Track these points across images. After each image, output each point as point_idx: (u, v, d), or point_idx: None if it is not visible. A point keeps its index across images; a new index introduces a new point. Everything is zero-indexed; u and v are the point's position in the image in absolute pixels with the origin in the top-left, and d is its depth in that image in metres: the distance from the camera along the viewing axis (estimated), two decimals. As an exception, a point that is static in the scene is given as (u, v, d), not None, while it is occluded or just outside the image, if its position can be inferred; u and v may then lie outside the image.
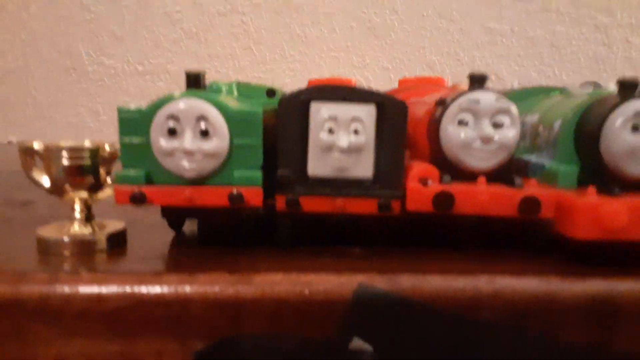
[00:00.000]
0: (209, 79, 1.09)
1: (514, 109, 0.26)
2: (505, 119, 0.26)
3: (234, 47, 0.98)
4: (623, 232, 0.24)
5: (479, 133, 0.26)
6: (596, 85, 0.71)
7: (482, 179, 0.26)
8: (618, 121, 0.25)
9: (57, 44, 0.98)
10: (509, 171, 0.27)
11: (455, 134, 0.26)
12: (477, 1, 0.97)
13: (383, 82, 1.00)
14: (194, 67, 0.99)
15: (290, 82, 0.99)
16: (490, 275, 0.24)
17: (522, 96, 0.37)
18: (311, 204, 0.26)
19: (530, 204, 0.25)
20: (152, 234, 0.31)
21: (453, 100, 0.26)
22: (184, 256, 0.27)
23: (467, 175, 0.26)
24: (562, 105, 0.31)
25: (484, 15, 0.98)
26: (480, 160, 0.26)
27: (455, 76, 1.00)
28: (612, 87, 0.71)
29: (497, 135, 0.26)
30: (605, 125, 0.25)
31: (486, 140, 0.26)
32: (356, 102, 0.25)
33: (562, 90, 0.36)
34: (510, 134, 0.26)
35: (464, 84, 0.32)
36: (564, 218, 0.24)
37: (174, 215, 0.29)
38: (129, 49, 0.98)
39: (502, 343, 0.23)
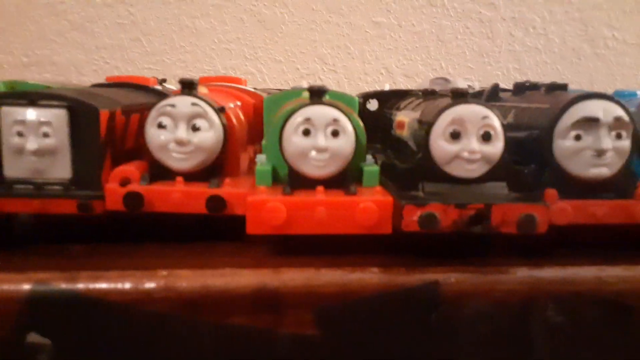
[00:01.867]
0: (97, 71, 1.06)
1: (211, 112, 0.28)
2: (202, 123, 0.27)
3: (122, 38, 0.97)
4: (284, 228, 0.25)
5: (174, 136, 0.27)
6: (445, 80, 0.74)
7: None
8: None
9: None
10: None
11: (155, 137, 0.27)
12: (365, -5, 0.99)
13: (276, 75, 1.01)
14: (81, 58, 0.98)
15: (181, 74, 0.99)
16: (166, 270, 0.25)
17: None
18: (9, 205, 0.27)
19: (216, 202, 0.26)
20: None
21: (154, 104, 0.27)
22: None
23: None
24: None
25: (371, 10, 1.00)
26: (177, 161, 0.27)
27: (347, 69, 1.02)
28: (461, 83, 0.74)
29: (195, 137, 0.27)
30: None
31: (180, 143, 0.27)
32: (45, 106, 0.26)
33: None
34: (207, 135, 0.28)
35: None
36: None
37: None
38: (13, 41, 0.96)
39: (174, 332, 0.25)
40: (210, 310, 0.24)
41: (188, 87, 0.28)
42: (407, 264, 0.27)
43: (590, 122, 0.27)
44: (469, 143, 0.26)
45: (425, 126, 0.27)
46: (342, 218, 0.26)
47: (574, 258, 0.28)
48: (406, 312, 0.26)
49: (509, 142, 0.28)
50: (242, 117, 0.35)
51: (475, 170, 0.27)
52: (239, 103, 0.39)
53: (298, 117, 0.26)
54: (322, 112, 0.26)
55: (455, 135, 0.26)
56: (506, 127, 0.27)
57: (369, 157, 0.30)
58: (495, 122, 0.26)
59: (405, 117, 0.33)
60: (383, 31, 1.01)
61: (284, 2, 0.98)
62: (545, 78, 1.08)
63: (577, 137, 0.28)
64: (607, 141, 0.27)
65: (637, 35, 1.05)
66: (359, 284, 0.26)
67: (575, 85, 1.06)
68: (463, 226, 0.26)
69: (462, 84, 0.75)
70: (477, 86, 0.96)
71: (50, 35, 0.96)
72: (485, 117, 0.26)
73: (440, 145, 0.27)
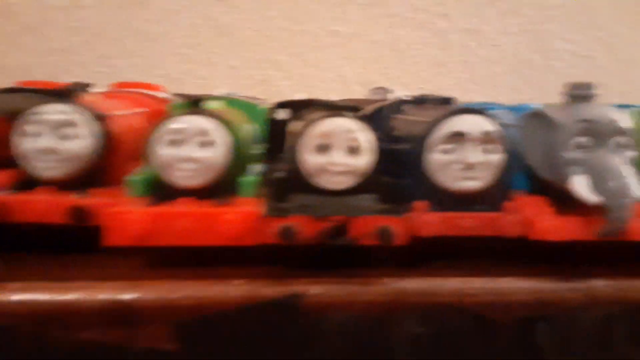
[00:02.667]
0: (49, 73, 1.06)
1: (82, 120, 0.28)
2: (72, 131, 0.27)
3: (74, 41, 0.96)
4: (144, 239, 0.25)
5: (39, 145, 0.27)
6: (385, 90, 0.75)
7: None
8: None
9: None
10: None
11: (20, 145, 0.27)
12: (320, 3, 1.00)
13: (231, 81, 1.01)
14: (33, 61, 0.97)
15: (133, 78, 0.98)
16: (19, 282, 0.25)
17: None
18: None
19: (78, 212, 0.26)
20: None
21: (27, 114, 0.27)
22: None
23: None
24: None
25: (327, 18, 1.00)
26: (44, 170, 0.27)
27: (303, 77, 1.02)
28: (399, 93, 0.75)
29: (62, 146, 0.27)
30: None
31: (45, 151, 0.27)
32: None
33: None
34: (76, 144, 0.27)
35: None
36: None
37: None
38: (-39, 41, 0.94)
39: (21, 347, 0.24)
40: (61, 324, 0.24)
41: (60, 94, 0.28)
42: (271, 275, 0.27)
43: (459, 136, 0.28)
44: (334, 156, 0.26)
45: (295, 138, 0.27)
46: (205, 229, 0.26)
47: (439, 270, 0.28)
48: (267, 324, 0.26)
49: (390, 155, 0.28)
50: (138, 124, 0.34)
51: (343, 182, 0.27)
52: (146, 110, 0.39)
53: (166, 127, 0.26)
54: (191, 123, 0.27)
55: (322, 148, 0.26)
56: (388, 140, 0.28)
57: (262, 168, 0.30)
58: (361, 136, 0.27)
59: (293, 128, 0.34)
60: (338, 39, 1.02)
61: (240, 8, 0.98)
62: (497, 89, 1.09)
63: (447, 151, 0.28)
64: (475, 155, 0.28)
65: (589, 48, 1.07)
66: (219, 296, 0.26)
67: (527, 97, 1.07)
68: (324, 238, 0.26)
69: (401, 94, 0.76)
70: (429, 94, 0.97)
71: (0, 38, 0.95)
72: (350, 131, 0.26)
73: (307, 158, 0.27)
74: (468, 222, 0.28)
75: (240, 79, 1.01)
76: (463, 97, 1.09)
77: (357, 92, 1.06)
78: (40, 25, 0.95)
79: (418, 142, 0.28)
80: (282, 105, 0.48)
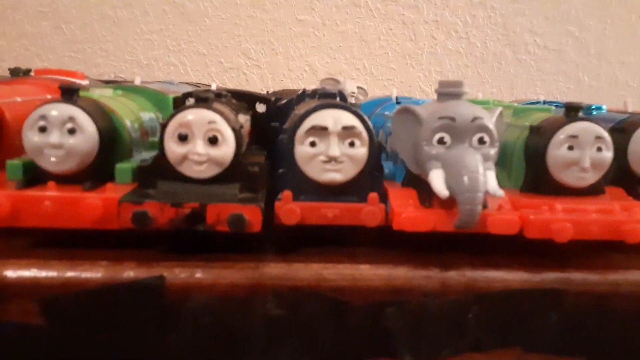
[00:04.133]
0: (18, 58, 1.06)
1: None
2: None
3: (44, 26, 0.97)
4: (7, 220, 0.27)
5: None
6: (336, 81, 0.76)
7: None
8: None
9: None
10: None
11: None
12: (289, -8, 1.00)
13: (199, 68, 1.02)
14: (2, 45, 0.98)
15: (102, 63, 0.99)
16: None
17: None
18: None
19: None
20: None
21: None
22: None
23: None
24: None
25: (295, 7, 1.01)
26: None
27: (271, 65, 1.03)
28: (349, 85, 0.76)
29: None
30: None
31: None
32: None
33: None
34: None
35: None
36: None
37: None
38: None
39: None
40: None
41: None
42: (137, 258, 0.28)
43: (322, 130, 0.29)
44: (194, 146, 0.28)
45: (162, 128, 0.28)
46: (68, 213, 0.27)
47: (302, 256, 0.29)
48: (131, 304, 0.27)
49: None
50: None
51: (204, 171, 0.28)
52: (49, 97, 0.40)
53: (35, 114, 0.28)
54: (58, 110, 0.28)
55: (182, 137, 0.28)
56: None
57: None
58: (223, 126, 0.28)
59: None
60: (307, 29, 1.02)
61: (207, -5, 0.99)
62: (466, 81, 1.10)
63: (312, 144, 0.29)
64: (335, 149, 0.29)
65: (558, 41, 1.07)
66: (84, 276, 0.27)
67: (496, 90, 1.08)
68: (180, 224, 0.27)
69: (351, 86, 0.77)
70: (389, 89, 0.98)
71: (-30, 21, 0.96)
72: (211, 122, 0.28)
73: (170, 147, 0.28)
74: (330, 212, 0.29)
75: (209, 66, 1.02)
76: (434, 88, 1.10)
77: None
78: (10, 10, 0.96)
79: (289, 135, 0.30)
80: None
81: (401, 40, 1.05)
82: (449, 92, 0.31)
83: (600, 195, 0.33)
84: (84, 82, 0.45)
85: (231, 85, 1.02)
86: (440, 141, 0.30)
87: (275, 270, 0.28)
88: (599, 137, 0.31)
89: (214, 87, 0.47)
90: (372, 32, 1.04)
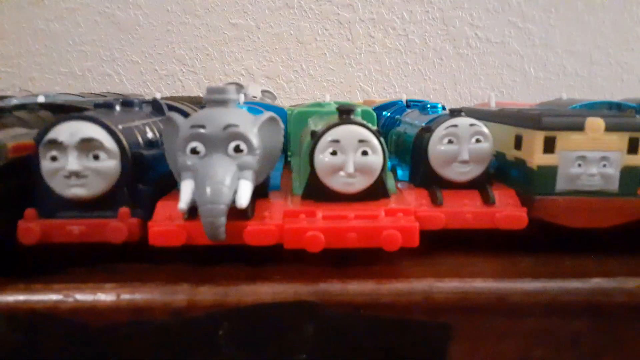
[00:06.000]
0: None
1: None
2: None
3: (-24, 42, 0.98)
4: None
5: None
6: (239, 86, 0.75)
7: None
8: None
9: None
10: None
11: None
12: (220, -3, 0.99)
13: (134, 76, 1.02)
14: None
15: (37, 76, 1.00)
16: None
17: None
18: None
19: None
20: None
21: None
22: None
23: None
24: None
25: (227, 11, 1.00)
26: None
27: (207, 70, 1.02)
28: (252, 89, 0.74)
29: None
30: None
31: None
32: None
33: None
34: None
35: None
36: None
37: None
38: None
39: None
40: None
41: None
42: None
43: (59, 144, 0.28)
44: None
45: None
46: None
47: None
48: None
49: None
50: None
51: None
52: None
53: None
54: None
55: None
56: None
57: None
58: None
59: None
60: (241, 32, 1.02)
61: (138, 3, 0.98)
62: (407, 79, 1.08)
63: (53, 158, 0.28)
64: (73, 163, 0.28)
65: (501, 34, 1.05)
66: None
67: (439, 86, 1.06)
68: None
69: (254, 90, 0.75)
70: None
71: None
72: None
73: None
74: (77, 229, 0.28)
75: (144, 74, 1.02)
76: (375, 87, 1.08)
77: (264, 85, 1.05)
78: (-57, 26, 0.97)
79: (35, 150, 0.29)
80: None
81: (338, 40, 1.03)
82: (213, 99, 0.30)
83: (382, 199, 0.31)
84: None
85: (167, 93, 1.02)
86: (194, 151, 0.29)
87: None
88: (362, 141, 0.30)
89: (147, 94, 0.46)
90: (308, 33, 1.03)
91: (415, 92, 1.05)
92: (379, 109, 0.52)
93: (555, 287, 0.28)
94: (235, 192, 0.28)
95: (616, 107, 0.44)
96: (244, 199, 0.27)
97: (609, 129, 0.32)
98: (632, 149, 0.32)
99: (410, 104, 0.50)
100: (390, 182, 0.34)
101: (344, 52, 1.04)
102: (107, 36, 0.99)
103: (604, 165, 0.32)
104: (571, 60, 1.07)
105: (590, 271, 0.29)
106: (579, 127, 0.32)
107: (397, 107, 0.50)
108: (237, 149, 0.29)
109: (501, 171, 0.37)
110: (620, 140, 0.32)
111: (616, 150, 0.32)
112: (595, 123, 0.31)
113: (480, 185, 0.34)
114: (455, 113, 0.34)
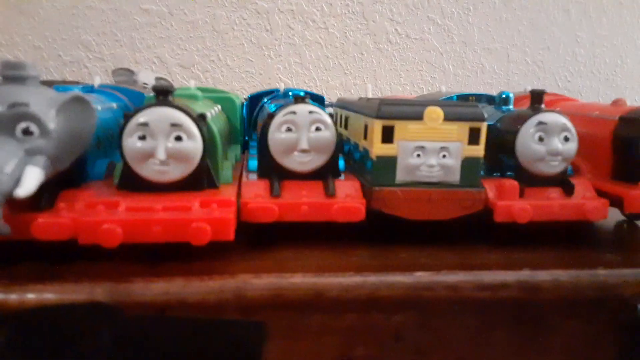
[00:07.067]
0: None
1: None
2: None
3: None
4: None
5: None
6: (130, 72, 0.70)
7: None
8: None
9: None
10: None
11: None
12: (128, -19, 0.94)
13: (37, 62, 0.95)
14: None
15: None
16: None
17: None
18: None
19: None
20: None
21: None
22: None
23: None
24: None
25: (138, -4, 0.95)
26: None
27: (115, 57, 0.97)
28: (141, 77, 0.70)
29: None
30: None
31: None
32: None
33: None
34: None
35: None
36: None
37: None
38: None
39: None
40: None
41: None
42: None
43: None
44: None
45: None
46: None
47: None
48: None
49: None
50: None
51: None
52: None
53: None
54: None
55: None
56: None
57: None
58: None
59: None
60: (153, 19, 0.97)
61: (40, -16, 0.92)
62: (327, 73, 1.06)
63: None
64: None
65: (420, 30, 1.05)
66: None
67: (359, 81, 1.05)
68: None
69: (146, 77, 0.71)
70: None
71: None
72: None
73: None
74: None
75: (47, 60, 0.95)
76: (295, 80, 1.06)
77: (177, 74, 1.01)
78: None
79: None
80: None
81: (256, 31, 1.00)
82: (7, 74, 0.27)
83: (207, 190, 0.29)
84: None
85: (71, 79, 0.96)
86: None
87: None
88: (175, 125, 0.27)
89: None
90: (225, 22, 0.99)
91: (336, 86, 1.04)
92: (257, 97, 0.50)
93: (376, 281, 0.26)
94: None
95: (486, 100, 0.43)
96: (24, 188, 0.24)
97: (448, 118, 0.30)
98: (473, 140, 0.31)
99: (288, 93, 0.47)
100: (227, 173, 0.31)
101: (262, 43, 1.01)
102: (6, 19, 0.92)
103: (444, 156, 0.31)
104: (489, 57, 1.09)
105: (416, 265, 0.28)
106: (418, 117, 0.30)
107: (274, 96, 0.47)
108: (27, 131, 0.25)
109: (357, 161, 0.35)
110: (460, 130, 0.31)
111: (456, 141, 0.31)
112: (434, 112, 0.30)
113: (324, 176, 0.32)
114: (299, 99, 0.32)
